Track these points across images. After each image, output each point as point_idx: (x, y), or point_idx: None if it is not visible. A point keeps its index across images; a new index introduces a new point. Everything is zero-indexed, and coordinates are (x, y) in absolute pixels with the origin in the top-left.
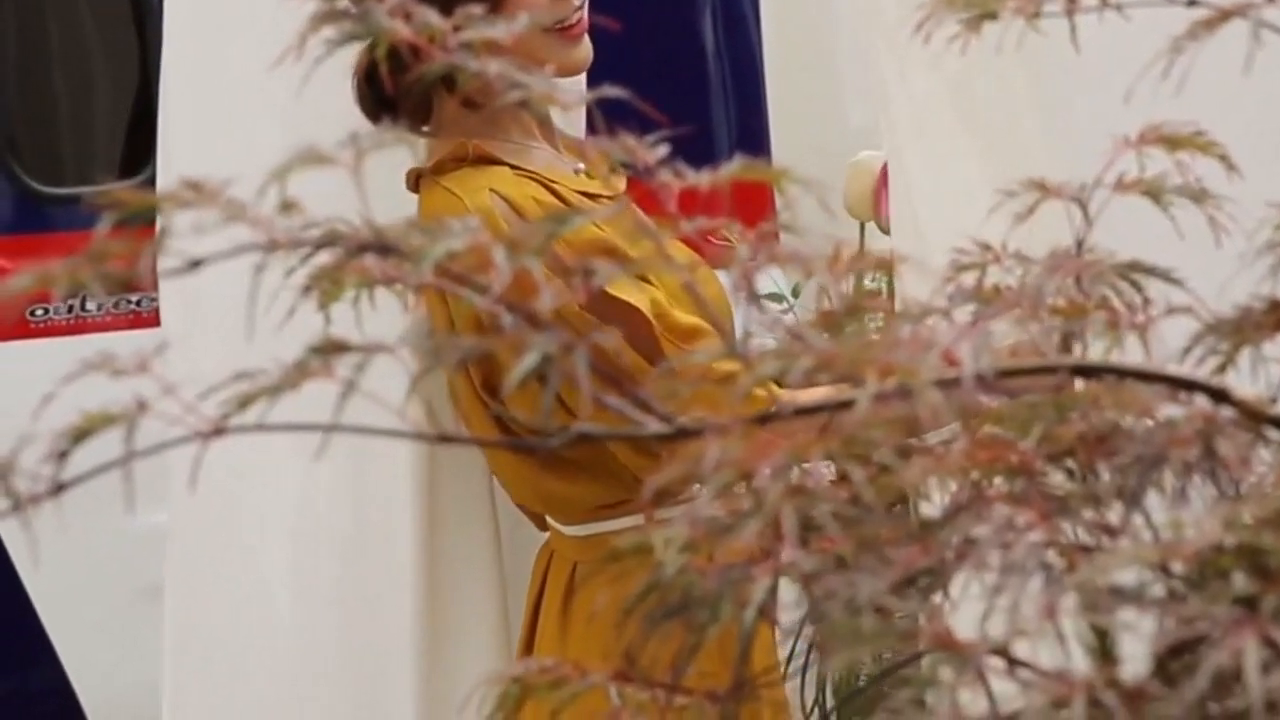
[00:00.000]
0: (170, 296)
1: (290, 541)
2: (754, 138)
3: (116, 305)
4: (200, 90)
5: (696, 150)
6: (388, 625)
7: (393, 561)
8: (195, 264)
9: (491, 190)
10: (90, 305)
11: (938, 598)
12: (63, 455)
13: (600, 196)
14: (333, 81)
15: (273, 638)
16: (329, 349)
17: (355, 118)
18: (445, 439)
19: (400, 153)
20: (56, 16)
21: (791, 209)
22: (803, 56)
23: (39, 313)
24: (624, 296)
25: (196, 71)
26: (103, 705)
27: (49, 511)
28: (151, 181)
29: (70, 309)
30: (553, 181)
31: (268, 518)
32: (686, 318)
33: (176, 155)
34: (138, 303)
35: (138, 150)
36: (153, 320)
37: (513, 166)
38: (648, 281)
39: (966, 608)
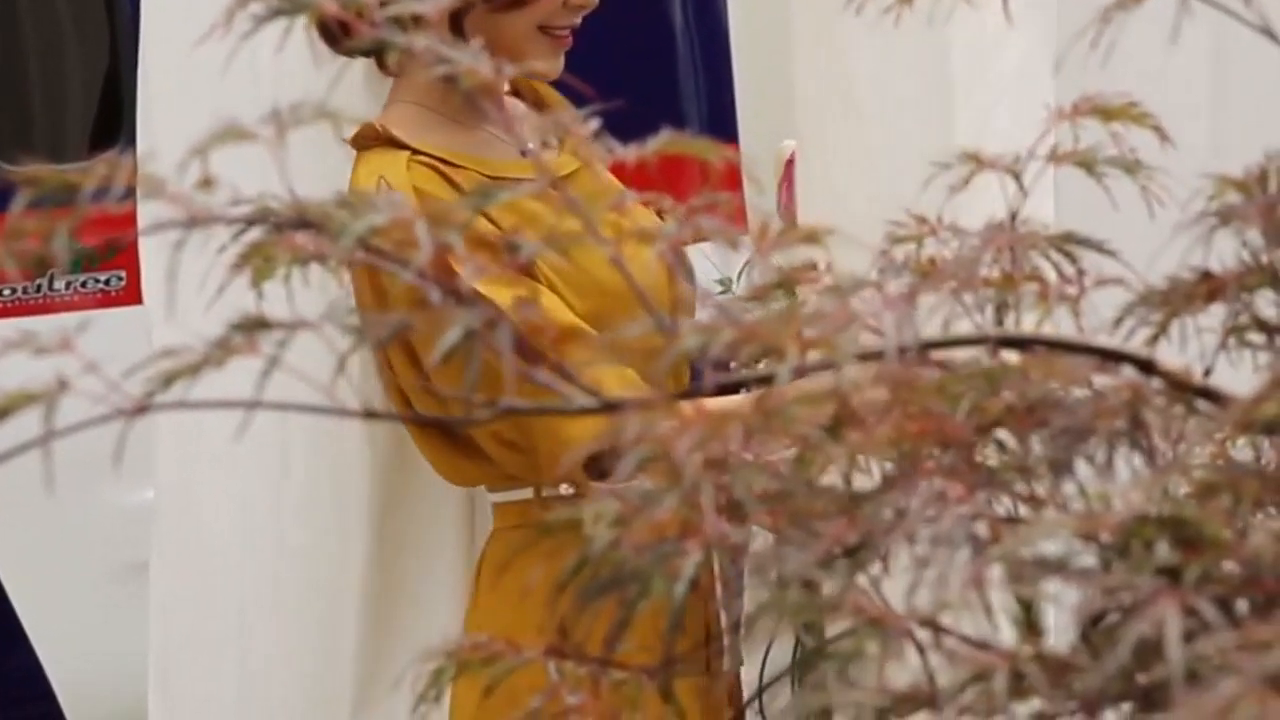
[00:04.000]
0: (151, 274)
1: (270, 516)
2: (722, 115)
3: (85, 285)
4: (177, 64)
5: (666, 126)
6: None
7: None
8: (134, 242)
9: (381, 177)
10: (59, 284)
11: (868, 571)
12: None
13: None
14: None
15: (255, 611)
16: (253, 325)
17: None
18: (370, 415)
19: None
20: None
21: (758, 184)
22: (768, 34)
23: (5, 292)
24: (488, 293)
25: (173, 45)
26: (74, 685)
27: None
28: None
29: (39, 288)
30: (458, 168)
31: (247, 494)
32: (564, 317)
33: (154, 124)
34: (106, 281)
35: (107, 128)
36: (123, 299)
37: (414, 151)
38: (535, 277)
39: (897, 581)
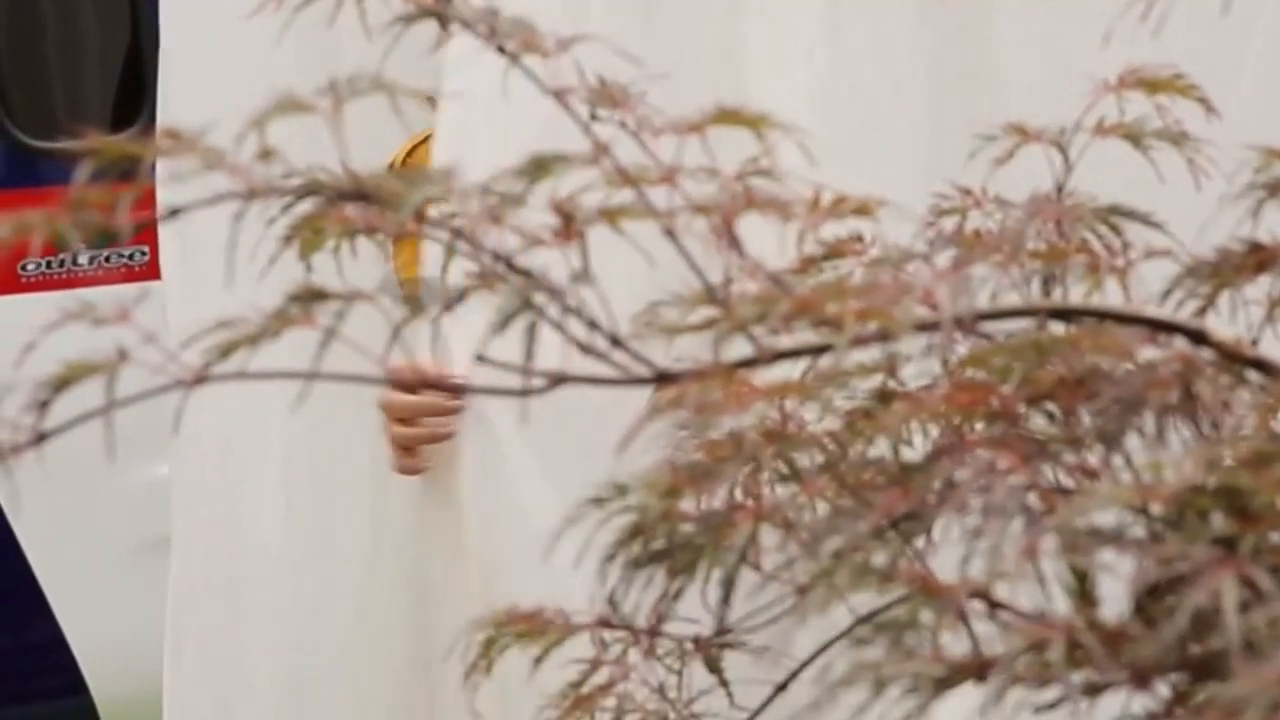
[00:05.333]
0: (168, 246)
1: (281, 489)
2: None
3: (108, 259)
4: (199, 39)
5: None
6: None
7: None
8: (174, 213)
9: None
10: (82, 259)
11: (918, 541)
12: (44, 405)
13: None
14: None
15: (270, 583)
16: (309, 297)
17: (350, 64)
18: (427, 385)
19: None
20: None
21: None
22: None
23: (30, 267)
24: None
25: (195, 20)
26: (97, 659)
27: (38, 464)
28: (143, 135)
29: (62, 263)
30: None
31: (260, 466)
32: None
33: (174, 104)
34: (130, 256)
35: (129, 103)
36: (145, 274)
37: None
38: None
39: (946, 552)
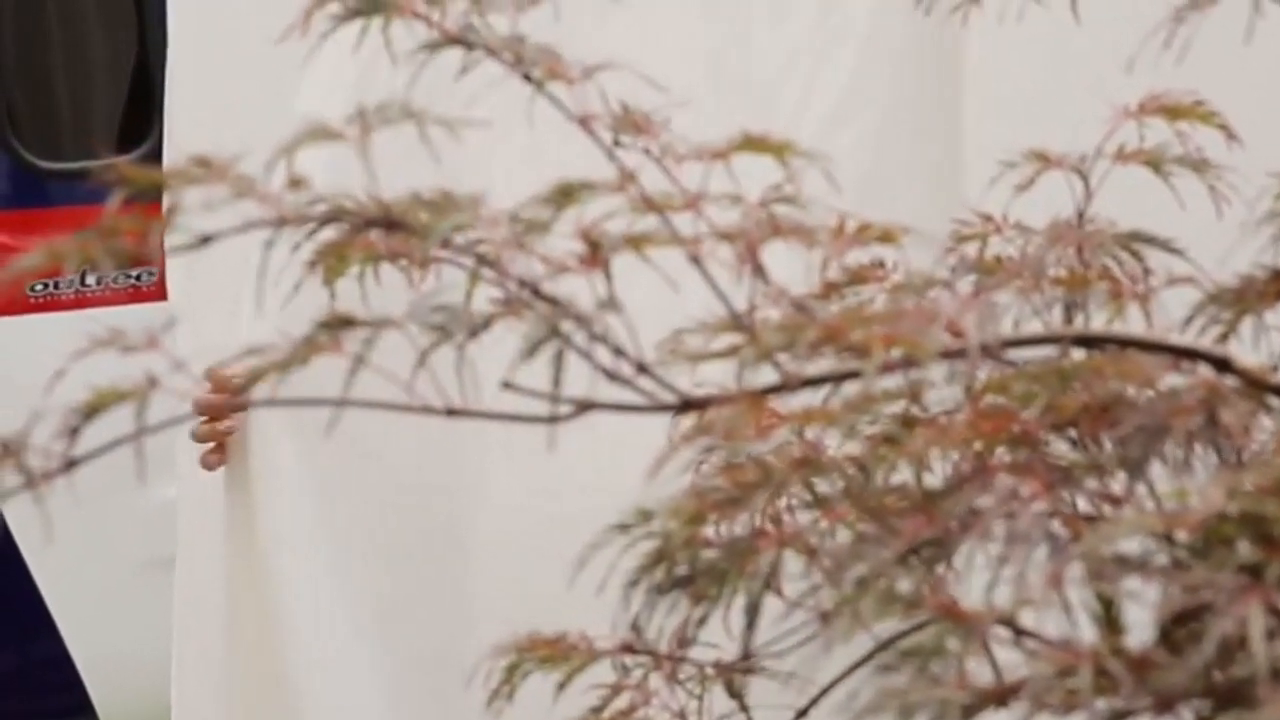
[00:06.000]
0: (176, 271)
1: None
2: None
3: (117, 280)
4: (206, 63)
5: None
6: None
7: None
8: (205, 240)
9: None
10: (90, 280)
11: (942, 568)
12: (74, 431)
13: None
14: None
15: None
16: (337, 324)
17: (363, 90)
18: (453, 412)
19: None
20: None
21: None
22: None
23: (39, 288)
24: None
25: (203, 43)
26: (104, 679)
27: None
28: (150, 156)
29: (71, 284)
30: None
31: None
32: None
33: (180, 130)
34: (138, 277)
35: (136, 124)
36: (154, 295)
37: None
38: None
39: (969, 580)
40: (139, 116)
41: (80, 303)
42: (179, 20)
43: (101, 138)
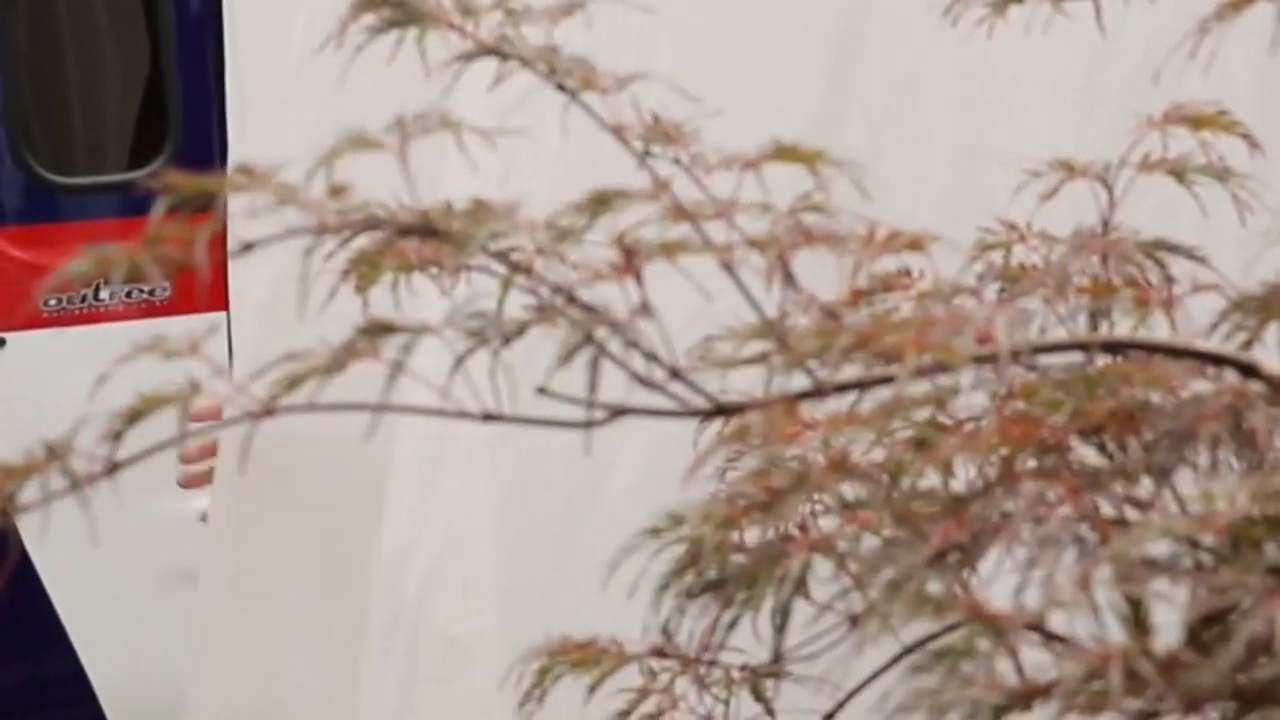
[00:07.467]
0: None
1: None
2: None
3: (129, 295)
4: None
5: None
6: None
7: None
8: (248, 247)
9: None
10: (103, 294)
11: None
12: (118, 435)
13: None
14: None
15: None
16: (375, 330)
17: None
18: (489, 417)
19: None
20: (68, 6)
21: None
22: None
23: (51, 302)
24: None
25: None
26: (117, 691)
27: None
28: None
29: (84, 299)
30: None
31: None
32: None
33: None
34: (150, 292)
35: (150, 140)
36: (166, 310)
37: None
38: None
39: (996, 584)
40: (153, 132)
41: (94, 317)
42: (234, 35)
43: (115, 155)
